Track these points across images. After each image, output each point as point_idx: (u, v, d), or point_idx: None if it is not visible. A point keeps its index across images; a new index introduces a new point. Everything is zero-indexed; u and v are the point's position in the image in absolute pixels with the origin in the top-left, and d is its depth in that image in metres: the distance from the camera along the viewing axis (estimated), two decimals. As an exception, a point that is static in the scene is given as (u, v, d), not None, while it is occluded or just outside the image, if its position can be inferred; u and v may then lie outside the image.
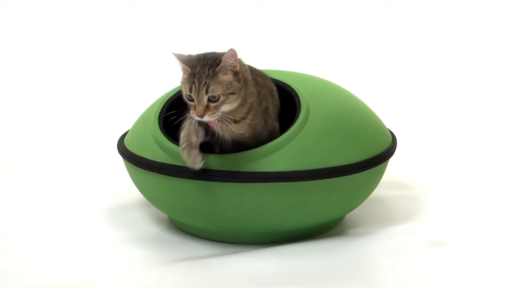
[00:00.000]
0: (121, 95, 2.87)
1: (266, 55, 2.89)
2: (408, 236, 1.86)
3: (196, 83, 1.62)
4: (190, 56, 1.67)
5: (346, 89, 1.95)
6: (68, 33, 3.07)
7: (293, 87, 1.83)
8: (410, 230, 1.89)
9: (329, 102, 1.84)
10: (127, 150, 1.86)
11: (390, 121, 2.05)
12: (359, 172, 1.77)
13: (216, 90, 1.62)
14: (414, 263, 1.73)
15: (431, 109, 2.81)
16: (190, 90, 1.63)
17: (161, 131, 1.79)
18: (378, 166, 1.82)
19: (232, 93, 1.64)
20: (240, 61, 1.67)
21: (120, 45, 3.06)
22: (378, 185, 1.91)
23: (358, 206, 1.91)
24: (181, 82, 1.66)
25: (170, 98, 1.88)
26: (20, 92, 2.90)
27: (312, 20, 3.10)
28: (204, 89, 1.62)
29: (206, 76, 1.62)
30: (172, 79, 2.09)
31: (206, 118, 1.63)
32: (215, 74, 1.63)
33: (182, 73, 1.67)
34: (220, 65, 1.63)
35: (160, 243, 1.83)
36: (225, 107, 1.65)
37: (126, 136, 1.94)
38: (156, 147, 1.78)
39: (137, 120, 1.94)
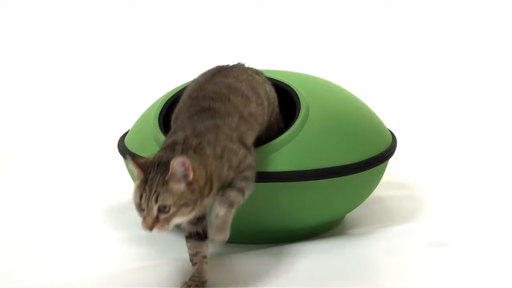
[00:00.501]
0: (121, 95, 2.87)
1: (266, 55, 2.90)
2: (408, 236, 1.86)
3: (147, 191, 1.45)
4: (146, 159, 1.49)
5: (346, 89, 1.95)
6: (68, 33, 3.07)
7: (293, 87, 1.82)
8: (410, 230, 1.89)
9: (329, 102, 1.84)
10: (127, 150, 1.86)
11: (390, 121, 2.05)
12: (359, 172, 1.77)
13: (166, 199, 1.44)
14: (414, 263, 1.73)
15: (431, 109, 2.81)
16: (141, 198, 1.46)
17: (161, 131, 1.79)
18: (378, 166, 1.82)
19: (185, 205, 1.46)
20: (196, 168, 1.46)
21: (120, 45, 3.06)
22: (378, 185, 1.91)
23: (358, 206, 1.91)
24: (134, 188, 1.48)
25: (170, 98, 1.88)
26: (20, 92, 2.90)
27: (312, 20, 3.10)
28: (154, 198, 1.44)
29: (157, 184, 1.44)
30: (172, 79, 2.10)
31: (155, 232, 1.46)
32: (165, 183, 1.44)
33: (137, 178, 1.48)
34: (170, 172, 1.44)
35: (160, 243, 1.83)
36: (177, 220, 1.47)
37: (126, 136, 1.94)
38: (156, 147, 1.77)
39: (137, 120, 1.94)
